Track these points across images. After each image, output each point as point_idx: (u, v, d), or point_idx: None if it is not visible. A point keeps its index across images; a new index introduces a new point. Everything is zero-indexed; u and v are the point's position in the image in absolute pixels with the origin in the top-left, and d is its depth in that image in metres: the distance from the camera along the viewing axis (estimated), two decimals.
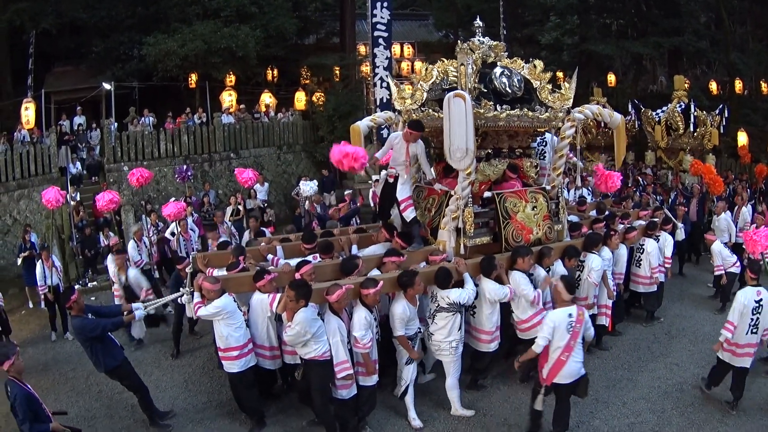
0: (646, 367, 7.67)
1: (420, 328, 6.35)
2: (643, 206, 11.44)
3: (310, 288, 5.63)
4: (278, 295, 5.98)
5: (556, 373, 5.59)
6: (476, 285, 6.45)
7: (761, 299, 6.35)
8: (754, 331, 6.39)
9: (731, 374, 6.61)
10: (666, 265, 9.22)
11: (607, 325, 8.06)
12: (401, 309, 5.99)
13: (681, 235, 10.03)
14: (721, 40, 25.23)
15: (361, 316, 5.78)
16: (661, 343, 8.42)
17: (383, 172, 7.97)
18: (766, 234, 7.41)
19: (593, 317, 7.90)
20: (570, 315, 5.53)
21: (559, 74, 20.39)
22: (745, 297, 6.39)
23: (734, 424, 6.35)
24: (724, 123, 17.43)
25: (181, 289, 6.57)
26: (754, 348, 6.47)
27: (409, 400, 6.35)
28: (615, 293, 8.06)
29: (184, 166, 14.15)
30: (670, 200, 13.31)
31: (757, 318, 6.35)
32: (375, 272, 6.62)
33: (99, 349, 6.19)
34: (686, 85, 19.45)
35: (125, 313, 6.58)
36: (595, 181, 9.80)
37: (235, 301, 6.12)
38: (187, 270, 6.92)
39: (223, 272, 6.75)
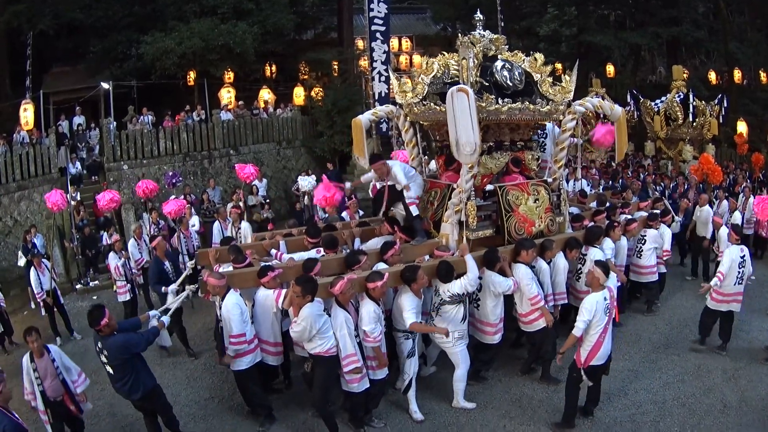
0: (648, 358, 7.68)
1: (423, 321, 6.34)
2: (635, 192, 11.48)
3: (316, 283, 5.65)
4: (284, 291, 5.97)
5: (594, 355, 5.76)
6: (480, 278, 6.45)
7: (744, 255, 7.61)
8: (740, 282, 7.58)
9: (719, 323, 7.77)
10: (665, 257, 9.23)
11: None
12: (409, 300, 5.99)
13: (676, 227, 10.00)
14: (720, 30, 25.17)
15: (370, 309, 5.80)
16: (662, 334, 8.42)
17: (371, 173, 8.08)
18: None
19: None
20: (605, 298, 5.72)
21: (558, 66, 20.39)
22: (732, 254, 7.56)
23: (735, 414, 6.35)
24: (723, 113, 17.45)
25: (186, 288, 6.59)
26: (740, 296, 7.66)
27: (411, 393, 6.36)
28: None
29: (170, 173, 14.11)
30: (668, 191, 13.30)
31: (742, 271, 7.57)
32: (382, 266, 6.63)
33: (140, 367, 5.58)
34: (685, 75, 19.47)
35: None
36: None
37: (241, 296, 6.12)
38: (189, 264, 6.93)
39: (229, 268, 6.76)
